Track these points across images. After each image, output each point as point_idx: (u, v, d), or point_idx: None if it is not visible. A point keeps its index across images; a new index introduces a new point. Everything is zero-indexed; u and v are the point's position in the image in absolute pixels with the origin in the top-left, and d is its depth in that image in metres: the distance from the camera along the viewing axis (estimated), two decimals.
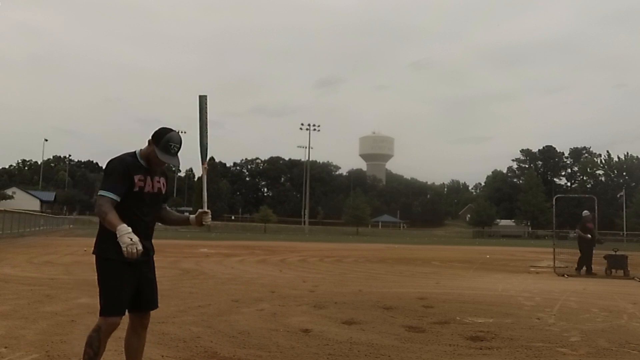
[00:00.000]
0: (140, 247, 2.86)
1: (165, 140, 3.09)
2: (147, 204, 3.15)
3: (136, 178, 3.07)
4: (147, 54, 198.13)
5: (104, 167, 3.23)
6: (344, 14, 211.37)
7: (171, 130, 3.17)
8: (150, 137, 3.14)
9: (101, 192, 3.00)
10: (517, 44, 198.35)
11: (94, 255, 3.11)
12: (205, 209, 3.36)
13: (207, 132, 3.40)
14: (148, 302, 3.21)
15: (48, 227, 40.00)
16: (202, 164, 3.40)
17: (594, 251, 13.50)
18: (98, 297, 3.07)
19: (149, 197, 3.15)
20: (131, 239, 2.84)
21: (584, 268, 13.26)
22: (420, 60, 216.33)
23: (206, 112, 3.40)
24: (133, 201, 3.07)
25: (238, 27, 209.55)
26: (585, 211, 14.02)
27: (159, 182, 3.24)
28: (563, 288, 9.87)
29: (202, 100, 3.41)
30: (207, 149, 3.39)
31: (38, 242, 22.51)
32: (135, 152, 3.19)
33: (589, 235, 13.50)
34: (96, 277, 3.10)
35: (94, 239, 3.14)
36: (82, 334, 4.86)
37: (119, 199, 3.01)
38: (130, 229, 2.88)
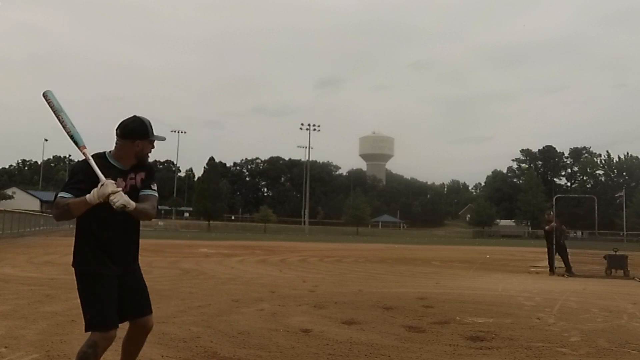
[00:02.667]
0: (127, 198, 2.71)
1: (149, 125, 2.98)
2: (115, 211, 2.80)
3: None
4: (147, 54, 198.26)
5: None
6: (344, 14, 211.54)
7: (136, 116, 3.01)
8: (127, 138, 2.94)
9: (60, 194, 2.81)
10: (517, 44, 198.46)
11: (73, 269, 2.96)
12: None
13: (69, 120, 3.04)
14: (137, 308, 3.06)
15: (48, 227, 39.96)
16: (80, 147, 2.98)
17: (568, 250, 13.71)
18: (82, 312, 2.95)
19: None
20: (112, 187, 2.67)
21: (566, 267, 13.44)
22: (421, 60, 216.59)
23: (57, 105, 3.08)
24: (101, 208, 2.77)
25: (238, 27, 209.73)
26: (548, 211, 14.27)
27: (133, 178, 3.00)
28: (563, 288, 9.87)
29: (46, 96, 3.10)
30: (74, 134, 2.99)
31: (38, 242, 22.51)
32: (104, 153, 2.99)
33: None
34: (77, 291, 2.95)
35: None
36: (82, 334, 4.85)
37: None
38: (99, 185, 2.69)
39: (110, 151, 3.00)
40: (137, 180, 3.01)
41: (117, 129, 2.97)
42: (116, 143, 2.98)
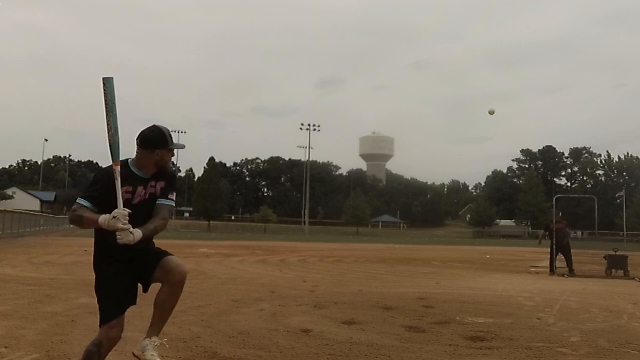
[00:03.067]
0: (132, 237, 2.79)
1: (168, 135, 3.06)
2: (135, 215, 2.89)
3: (122, 190, 2.91)
4: (147, 54, 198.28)
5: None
6: (344, 14, 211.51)
7: (155, 126, 3.09)
8: (147, 147, 3.00)
9: (78, 200, 2.95)
10: (517, 44, 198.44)
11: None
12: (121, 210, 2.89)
13: (116, 124, 2.93)
14: (157, 258, 3.16)
15: (48, 227, 39.97)
16: (115, 163, 2.95)
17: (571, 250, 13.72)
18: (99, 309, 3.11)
19: (138, 207, 2.99)
20: (122, 223, 2.75)
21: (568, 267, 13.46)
22: (421, 60, 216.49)
23: (112, 97, 2.91)
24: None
25: (238, 27, 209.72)
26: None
27: (153, 186, 3.09)
28: (563, 288, 9.87)
29: (109, 82, 2.95)
30: (114, 144, 2.94)
31: (38, 242, 22.51)
32: (126, 160, 3.05)
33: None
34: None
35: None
36: (82, 334, 4.86)
37: (94, 209, 2.92)
38: (111, 215, 2.77)
39: (132, 159, 3.08)
40: (157, 189, 3.10)
41: (137, 139, 3.06)
42: (137, 152, 3.06)
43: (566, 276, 12.67)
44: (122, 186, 2.90)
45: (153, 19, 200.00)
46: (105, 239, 2.97)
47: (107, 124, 2.91)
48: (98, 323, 3.09)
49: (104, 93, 2.91)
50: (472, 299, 7.99)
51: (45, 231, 36.91)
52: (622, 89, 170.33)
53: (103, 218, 2.79)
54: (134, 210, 2.91)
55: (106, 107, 2.90)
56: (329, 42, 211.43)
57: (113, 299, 3.03)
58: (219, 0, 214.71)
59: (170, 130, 3.14)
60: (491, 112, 10.75)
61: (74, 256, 15.01)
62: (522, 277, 12.49)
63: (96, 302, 3.12)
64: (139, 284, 3.21)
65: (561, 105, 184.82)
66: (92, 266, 3.15)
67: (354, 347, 4.66)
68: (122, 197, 2.89)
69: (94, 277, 3.14)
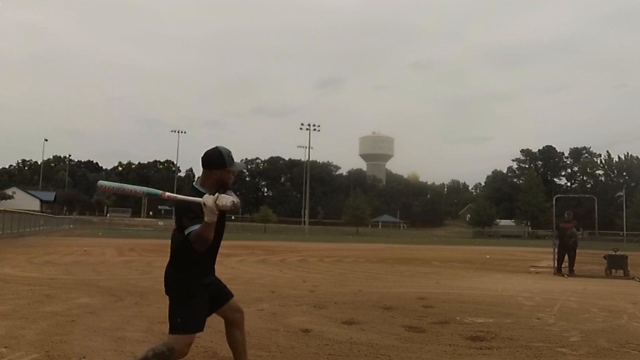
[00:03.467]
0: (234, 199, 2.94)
1: (226, 155, 3.15)
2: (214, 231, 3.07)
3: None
4: (148, 54, 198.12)
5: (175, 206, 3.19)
6: (344, 14, 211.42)
7: (216, 148, 3.20)
8: (207, 168, 3.15)
9: (188, 230, 3.00)
10: (518, 44, 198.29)
11: (171, 271, 3.17)
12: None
13: (130, 188, 3.21)
14: (224, 292, 3.37)
15: (48, 227, 39.97)
16: (162, 196, 3.21)
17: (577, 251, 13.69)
18: (169, 315, 3.12)
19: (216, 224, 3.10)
20: (225, 199, 2.87)
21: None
22: (421, 61, 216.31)
23: (113, 187, 3.22)
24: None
25: (238, 27, 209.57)
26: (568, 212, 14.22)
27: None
28: (563, 288, 9.87)
29: (100, 187, 3.22)
30: (148, 191, 3.22)
31: (38, 242, 22.51)
32: (193, 185, 3.21)
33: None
34: (169, 293, 3.15)
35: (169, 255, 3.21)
36: (82, 334, 4.86)
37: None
38: (214, 195, 2.89)
39: (199, 180, 3.23)
40: None
41: (201, 159, 3.20)
42: (202, 172, 3.22)
43: (566, 276, 12.67)
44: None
45: (153, 19, 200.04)
46: (195, 254, 3.05)
47: (131, 193, 3.20)
48: (169, 329, 3.09)
49: (110, 191, 3.21)
50: (472, 299, 8.00)
51: (45, 231, 36.92)
52: (622, 89, 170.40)
53: (206, 215, 2.87)
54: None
55: (120, 192, 3.17)
56: (329, 42, 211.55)
57: (199, 310, 3.12)
58: (219, 0, 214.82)
59: (230, 151, 3.21)
60: (414, 177, 10.49)
61: (74, 256, 15.02)
62: (522, 277, 12.50)
63: (174, 308, 3.12)
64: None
65: (561, 105, 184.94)
66: (174, 276, 3.14)
67: (354, 347, 4.66)
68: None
69: (181, 283, 3.11)
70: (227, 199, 2.88)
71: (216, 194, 2.89)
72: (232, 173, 3.20)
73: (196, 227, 2.96)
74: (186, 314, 3.08)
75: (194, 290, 3.12)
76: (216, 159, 3.14)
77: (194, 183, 3.23)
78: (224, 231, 3.32)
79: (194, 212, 2.99)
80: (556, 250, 13.71)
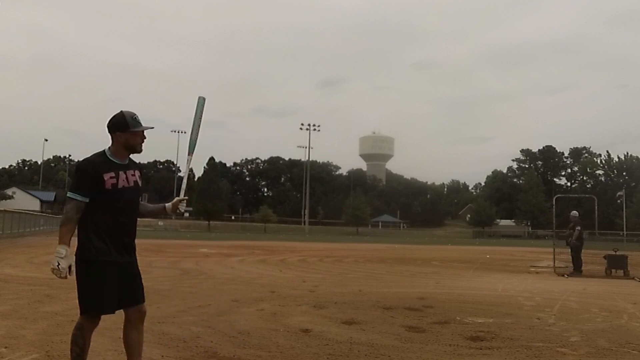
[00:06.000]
0: (64, 274, 2.95)
1: (129, 118, 3.15)
2: (124, 200, 3.14)
3: (106, 176, 3.07)
4: (149, 54, 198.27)
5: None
6: (346, 14, 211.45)
7: (120, 111, 3.21)
8: (112, 132, 3.16)
9: (69, 194, 3.06)
10: (519, 45, 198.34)
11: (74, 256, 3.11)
12: (182, 197, 3.49)
13: (198, 129, 3.65)
14: (134, 296, 3.24)
15: (48, 227, 39.94)
16: (188, 154, 3.61)
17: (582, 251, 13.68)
18: (78, 297, 3.12)
19: (124, 193, 3.14)
20: (58, 264, 2.94)
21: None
22: (422, 61, 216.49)
23: (201, 113, 3.66)
24: (106, 200, 3.07)
25: (239, 28, 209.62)
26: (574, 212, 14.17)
27: (134, 175, 3.23)
28: (563, 288, 9.87)
29: (200, 101, 3.65)
30: (195, 143, 3.63)
31: (38, 242, 22.50)
32: (104, 150, 3.19)
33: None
34: (75, 276, 3.11)
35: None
36: None
37: (86, 200, 3.05)
38: (64, 253, 2.95)
39: (109, 147, 3.20)
40: (137, 177, 3.26)
41: (106, 125, 3.20)
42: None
43: (566, 276, 12.67)
44: (105, 173, 3.07)
45: (154, 19, 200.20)
46: (111, 224, 3.09)
47: (193, 129, 3.63)
48: (80, 311, 3.12)
49: (198, 111, 3.64)
50: (472, 299, 7.99)
51: (45, 231, 36.90)
52: (623, 90, 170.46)
53: (58, 250, 2.98)
54: (119, 194, 3.10)
55: (195, 121, 3.64)
56: (331, 43, 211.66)
57: (104, 293, 3.08)
58: (220, 1, 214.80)
59: (135, 114, 3.21)
60: None
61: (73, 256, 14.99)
62: (522, 277, 12.49)
63: (79, 290, 3.12)
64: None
65: (561, 105, 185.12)
66: (76, 258, 3.09)
67: (354, 347, 4.66)
68: (107, 183, 3.07)
69: (81, 266, 3.08)
70: (55, 273, 2.98)
71: (62, 265, 2.94)
72: (138, 135, 3.18)
73: (80, 198, 3.04)
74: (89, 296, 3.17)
75: (102, 270, 3.16)
76: (118, 122, 3.14)
77: (106, 150, 3.19)
78: (136, 223, 3.32)
79: (90, 182, 3.04)
80: (573, 253, 13.64)
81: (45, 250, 17.09)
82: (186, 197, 3.52)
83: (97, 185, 3.04)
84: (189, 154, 3.60)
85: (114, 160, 3.14)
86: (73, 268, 2.99)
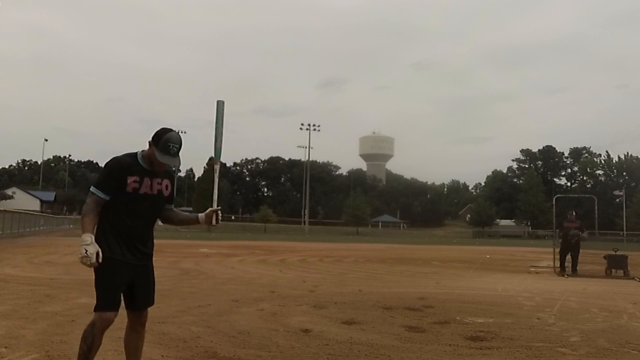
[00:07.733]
0: (94, 260, 2.90)
1: (164, 141, 3.07)
2: (141, 206, 3.12)
3: (130, 179, 3.06)
4: (149, 54, 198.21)
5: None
6: (346, 14, 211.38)
7: (170, 130, 3.15)
8: (150, 139, 3.13)
9: (92, 189, 3.09)
10: (519, 45, 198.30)
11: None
12: (215, 207, 3.41)
13: (222, 135, 3.56)
14: (144, 301, 3.24)
15: (48, 227, 39.96)
16: (215, 162, 3.60)
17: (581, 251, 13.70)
18: (95, 293, 3.12)
19: (144, 199, 3.12)
20: (86, 251, 2.90)
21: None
22: (422, 61, 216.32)
23: (222, 117, 3.57)
24: (126, 202, 3.08)
25: (240, 28, 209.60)
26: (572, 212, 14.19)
27: (159, 183, 3.21)
28: (563, 288, 9.87)
29: (220, 105, 3.57)
30: (220, 150, 3.56)
31: (38, 242, 22.49)
32: (137, 153, 3.18)
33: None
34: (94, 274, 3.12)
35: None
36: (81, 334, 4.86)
37: (107, 198, 3.06)
38: (89, 240, 2.92)
39: (142, 151, 3.19)
40: (163, 186, 3.24)
41: None
42: None
43: (567, 276, 12.66)
44: (130, 175, 3.07)
45: (155, 20, 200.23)
46: (126, 226, 3.09)
47: (217, 134, 3.55)
48: (94, 308, 3.10)
49: (218, 114, 3.54)
50: (472, 299, 7.99)
51: (45, 231, 36.90)
52: (623, 90, 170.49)
53: (83, 238, 2.95)
54: (140, 199, 3.10)
55: (217, 124, 3.55)
56: (331, 43, 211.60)
57: (117, 291, 3.09)
58: (220, 1, 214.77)
59: (178, 141, 3.14)
60: None
61: (74, 256, 14.99)
62: (522, 277, 12.49)
63: (95, 287, 3.12)
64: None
65: (562, 105, 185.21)
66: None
67: (354, 347, 4.66)
68: (129, 186, 3.07)
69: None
70: (84, 260, 2.92)
71: (90, 251, 2.90)
72: (158, 159, 3.11)
73: (101, 195, 3.06)
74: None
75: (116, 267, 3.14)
76: (156, 136, 3.12)
77: (138, 153, 3.18)
78: (153, 227, 3.30)
79: (113, 181, 3.06)
80: (557, 250, 13.71)
81: (45, 251, 17.09)
82: (219, 208, 3.42)
83: (119, 186, 3.05)
84: (215, 163, 3.58)
85: (143, 165, 3.14)
86: (101, 254, 2.94)
